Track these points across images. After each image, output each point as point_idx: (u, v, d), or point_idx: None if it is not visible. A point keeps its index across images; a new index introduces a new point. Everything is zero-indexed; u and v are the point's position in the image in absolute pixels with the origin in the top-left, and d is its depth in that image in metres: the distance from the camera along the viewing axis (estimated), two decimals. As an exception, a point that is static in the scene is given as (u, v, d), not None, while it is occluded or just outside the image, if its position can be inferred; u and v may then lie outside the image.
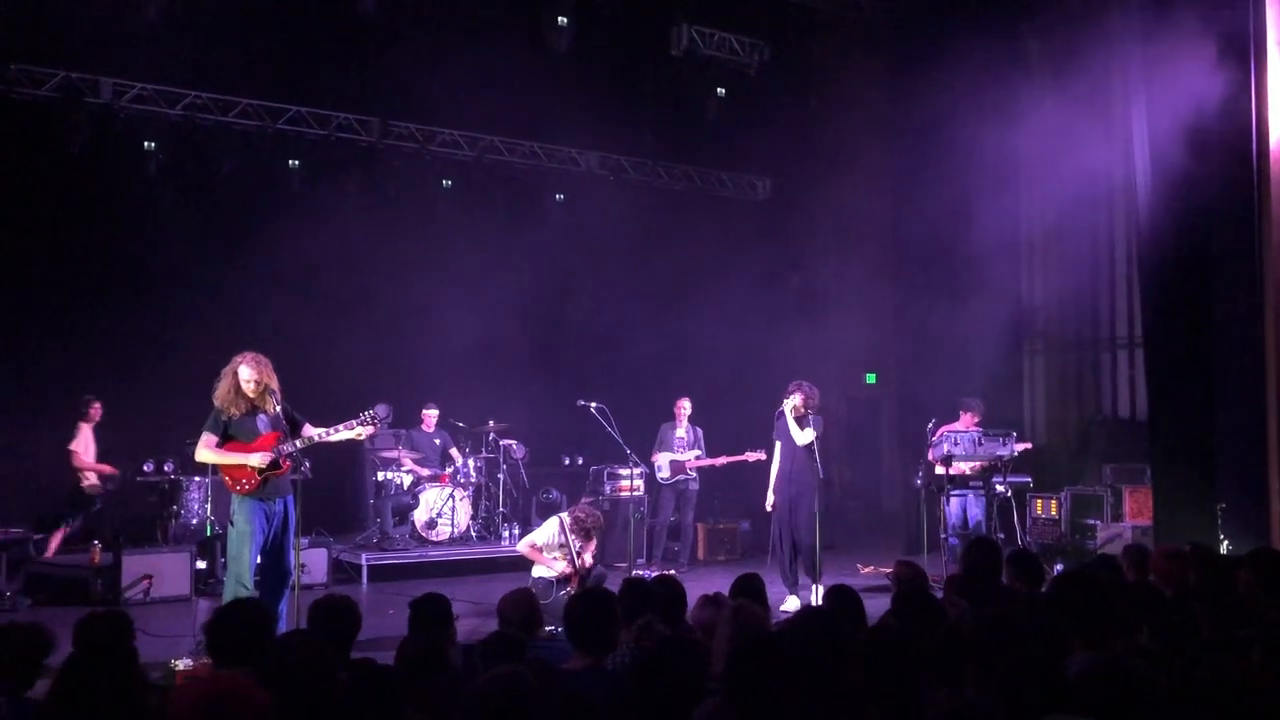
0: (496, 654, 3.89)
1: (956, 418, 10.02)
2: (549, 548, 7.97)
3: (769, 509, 9.07)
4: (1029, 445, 10.38)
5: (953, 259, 11.64)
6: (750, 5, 12.73)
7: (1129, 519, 10.45)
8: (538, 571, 7.97)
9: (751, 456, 10.64)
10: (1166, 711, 3.13)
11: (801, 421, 8.92)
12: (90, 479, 10.08)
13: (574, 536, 7.85)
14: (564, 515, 8.09)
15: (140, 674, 3.36)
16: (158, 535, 10.32)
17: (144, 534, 10.34)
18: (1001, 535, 9.66)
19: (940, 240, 11.65)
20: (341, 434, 7.03)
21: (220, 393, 6.75)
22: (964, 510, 9.73)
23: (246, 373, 6.72)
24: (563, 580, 7.82)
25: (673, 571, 8.90)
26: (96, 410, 10.18)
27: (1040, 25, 11.59)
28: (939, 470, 9.64)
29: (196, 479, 10.28)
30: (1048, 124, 10.84)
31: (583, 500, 11.22)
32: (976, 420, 9.95)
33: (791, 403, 8.92)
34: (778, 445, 9.13)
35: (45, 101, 10.80)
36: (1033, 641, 3.43)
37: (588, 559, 7.95)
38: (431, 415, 11.40)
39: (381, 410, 11.70)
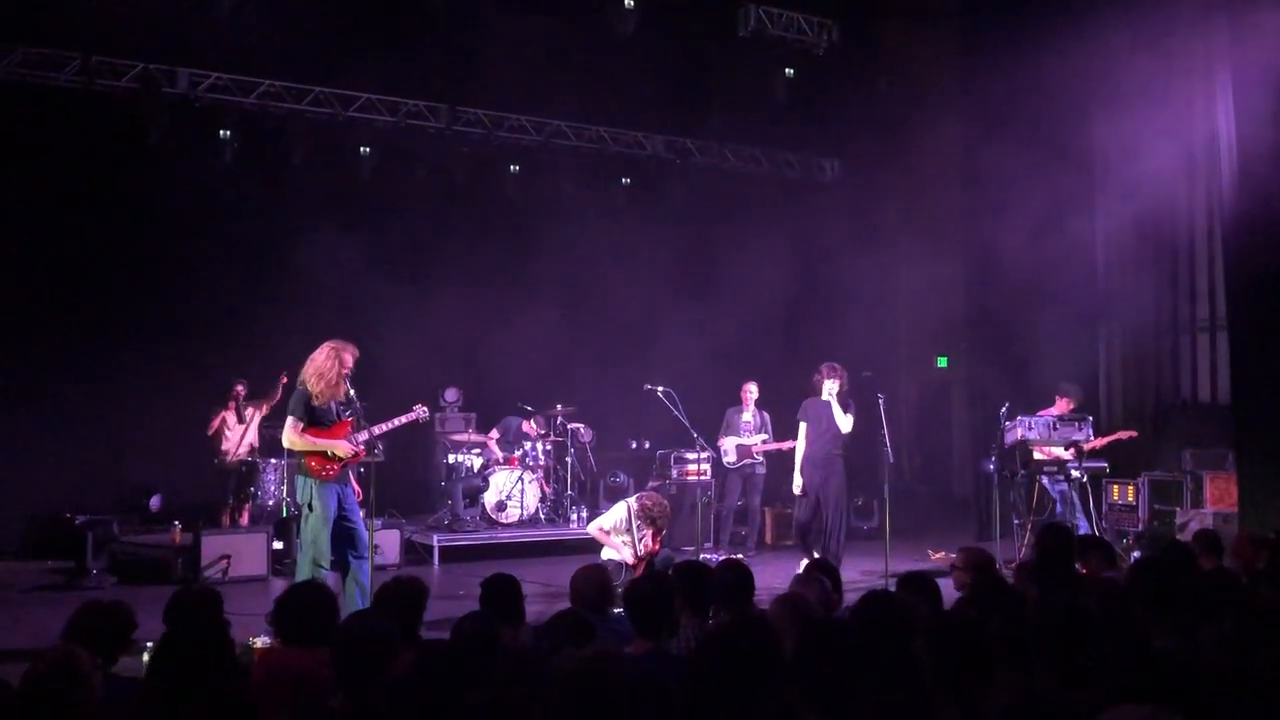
0: (564, 634, 3.90)
1: (1050, 401, 9.89)
2: (617, 530, 8.01)
3: (798, 493, 9.11)
4: (1134, 434, 10.20)
5: (1025, 240, 11.40)
6: (817, -16, 12.59)
7: (1210, 505, 10.17)
8: (606, 554, 8.02)
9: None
10: (1244, 699, 3.05)
11: (845, 406, 8.86)
12: (231, 454, 10.68)
13: (639, 523, 7.87)
14: (632, 500, 8.11)
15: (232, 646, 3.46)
16: (234, 517, 10.58)
17: (222, 515, 10.61)
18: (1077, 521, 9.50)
19: (1012, 221, 11.42)
20: (396, 424, 7.24)
21: (320, 378, 6.83)
22: (1061, 494, 9.60)
23: (349, 359, 6.88)
24: (631, 565, 7.84)
25: (740, 556, 8.90)
26: (239, 391, 10.76)
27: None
28: (1037, 455, 9.54)
29: (273, 461, 10.50)
30: (1126, 100, 10.56)
31: (649, 486, 11.27)
32: (1072, 406, 9.79)
33: (834, 387, 8.86)
34: (803, 429, 9.10)
35: (124, 93, 11.06)
36: (1107, 629, 3.36)
37: (646, 546, 7.96)
38: (532, 427, 11.49)
39: (450, 394, 11.97)
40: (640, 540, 7.89)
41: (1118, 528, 10.72)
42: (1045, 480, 9.64)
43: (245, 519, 10.41)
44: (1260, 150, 8.76)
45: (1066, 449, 9.59)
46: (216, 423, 10.70)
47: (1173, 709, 2.69)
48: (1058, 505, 9.63)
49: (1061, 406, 9.78)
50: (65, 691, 3.15)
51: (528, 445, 11.34)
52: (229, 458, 10.67)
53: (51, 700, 3.13)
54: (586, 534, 8.62)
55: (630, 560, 7.86)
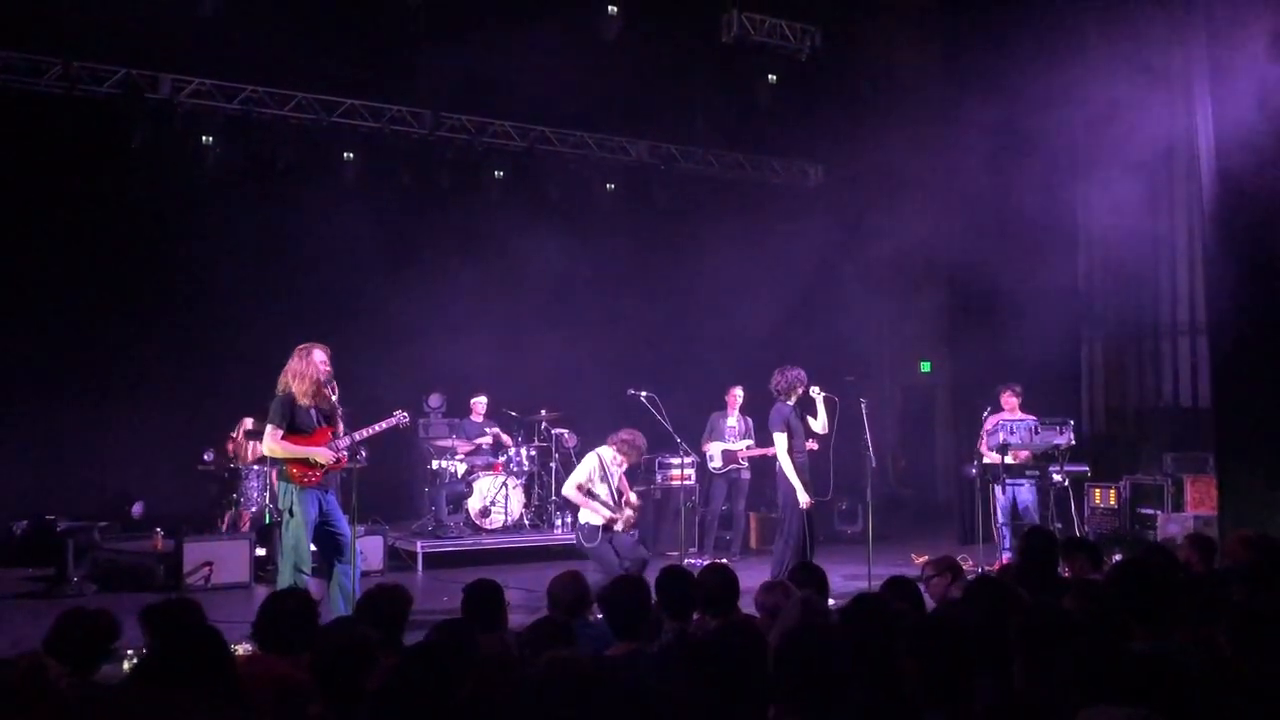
0: (544, 639, 3.91)
1: (1002, 408, 9.90)
2: (592, 482, 7.96)
3: (806, 505, 8.35)
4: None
5: (1008, 244, 11.47)
6: (800, -10, 12.64)
7: (1190, 508, 10.25)
8: (584, 517, 8.01)
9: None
10: (1224, 701, 3.07)
11: (810, 407, 8.58)
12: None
13: (618, 464, 7.91)
14: (602, 449, 8.08)
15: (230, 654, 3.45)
16: (218, 523, 10.51)
17: (204, 522, 10.54)
18: (1059, 525, 9.53)
19: (995, 225, 11.49)
20: (376, 430, 7.27)
21: (300, 379, 6.83)
22: (1014, 498, 9.59)
23: (320, 355, 6.88)
24: (608, 527, 7.88)
25: (724, 560, 8.89)
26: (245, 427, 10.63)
27: (1099, 2, 11.35)
28: (988, 459, 9.54)
29: (255, 468, 10.45)
30: (1106, 103, 10.64)
31: (635, 489, 11.32)
32: (1019, 400, 9.79)
33: (817, 389, 8.51)
34: (782, 438, 8.41)
35: (106, 98, 11.01)
36: (1087, 630, 3.38)
37: (632, 498, 8.08)
38: (480, 404, 11.50)
39: (434, 400, 11.95)
40: (618, 490, 7.95)
41: (1099, 531, 10.78)
42: (1004, 486, 9.59)
43: (246, 524, 10.30)
44: (1238, 153, 8.81)
45: (1047, 453, 9.62)
46: (231, 447, 10.67)
47: (1151, 710, 2.71)
48: (1020, 502, 9.58)
49: (1011, 404, 9.79)
50: (30, 700, 3.15)
51: (512, 452, 11.32)
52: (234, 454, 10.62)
53: (15, 709, 3.12)
54: (570, 540, 8.58)
55: (607, 516, 7.86)
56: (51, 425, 10.84)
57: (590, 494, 7.93)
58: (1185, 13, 9.81)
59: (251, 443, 10.43)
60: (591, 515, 7.92)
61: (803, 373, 8.57)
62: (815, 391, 8.56)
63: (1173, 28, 10.25)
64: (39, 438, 10.76)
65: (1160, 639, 3.75)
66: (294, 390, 6.84)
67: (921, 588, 4.95)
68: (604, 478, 7.95)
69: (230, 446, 10.66)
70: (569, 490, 8.12)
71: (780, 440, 8.45)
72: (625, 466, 8.00)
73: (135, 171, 11.07)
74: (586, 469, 8.03)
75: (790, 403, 8.52)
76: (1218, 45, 8.92)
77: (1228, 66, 8.80)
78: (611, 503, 7.91)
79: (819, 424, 8.62)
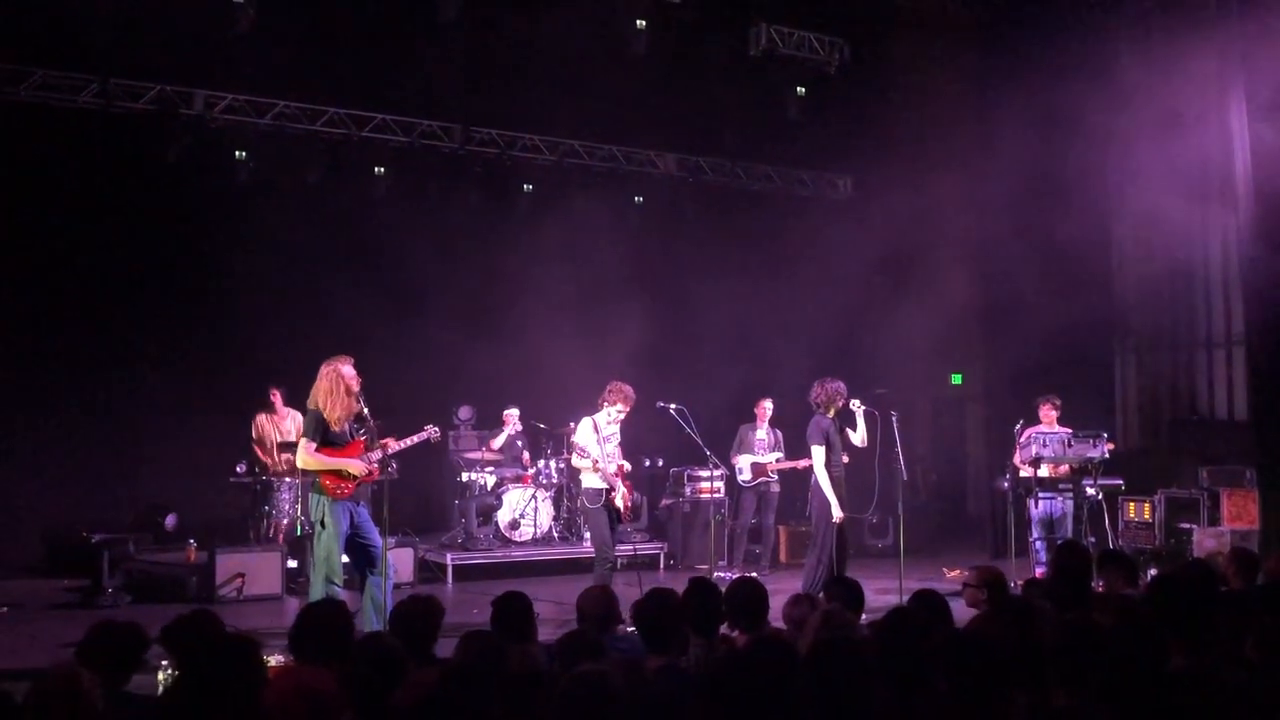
0: (574, 653, 3.90)
1: (1038, 420, 9.79)
2: (596, 445, 8.18)
3: (839, 519, 8.25)
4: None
5: (1040, 256, 11.38)
6: (829, 3, 12.58)
7: (1227, 523, 10.10)
8: (587, 481, 8.21)
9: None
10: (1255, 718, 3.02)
11: (850, 419, 8.55)
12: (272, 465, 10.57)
13: (614, 412, 8.15)
14: (595, 415, 8.29)
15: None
16: (250, 535, 10.57)
17: (236, 534, 10.61)
18: (1092, 539, 9.42)
19: (1027, 237, 11.41)
20: (407, 444, 7.33)
21: (327, 398, 6.90)
22: (1049, 511, 9.49)
23: (349, 368, 6.93)
24: (610, 490, 8.15)
25: (754, 574, 8.84)
26: (275, 397, 10.61)
27: (1130, 14, 11.27)
28: (1023, 473, 9.43)
29: (287, 480, 10.51)
30: (1139, 115, 10.55)
31: (663, 504, 11.30)
32: (1058, 413, 9.67)
33: (857, 402, 8.50)
34: (820, 451, 8.31)
35: (141, 114, 11.15)
36: (1124, 647, 3.33)
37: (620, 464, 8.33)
38: (512, 416, 11.54)
39: (464, 413, 11.99)
40: (615, 446, 8.22)
41: (1135, 545, 10.64)
42: (1038, 499, 9.48)
43: (280, 536, 10.32)
44: (1276, 165, 8.72)
45: (1080, 466, 9.50)
46: (256, 430, 10.68)
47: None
48: (1054, 512, 9.48)
49: (1049, 417, 9.68)
50: (65, 710, 3.18)
51: (542, 463, 11.33)
52: (271, 467, 10.64)
53: (51, 717, 3.15)
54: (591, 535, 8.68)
55: (613, 475, 8.13)
56: (86, 438, 10.96)
57: (594, 463, 8.16)
58: (1218, 20, 9.72)
59: (284, 455, 10.48)
60: (594, 480, 8.12)
61: (843, 385, 8.46)
62: (855, 405, 8.48)
63: (1206, 36, 10.14)
64: (74, 450, 10.87)
65: (1198, 656, 3.69)
66: (325, 403, 6.90)
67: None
68: (601, 441, 8.18)
69: (258, 450, 10.70)
70: (576, 460, 8.38)
71: (817, 453, 8.35)
72: (624, 414, 8.23)
73: (169, 186, 11.18)
74: (586, 436, 8.24)
75: (829, 415, 8.43)
76: (1251, 49, 8.84)
77: (1265, 80, 8.73)
78: (609, 467, 8.13)
79: (858, 438, 8.55)
